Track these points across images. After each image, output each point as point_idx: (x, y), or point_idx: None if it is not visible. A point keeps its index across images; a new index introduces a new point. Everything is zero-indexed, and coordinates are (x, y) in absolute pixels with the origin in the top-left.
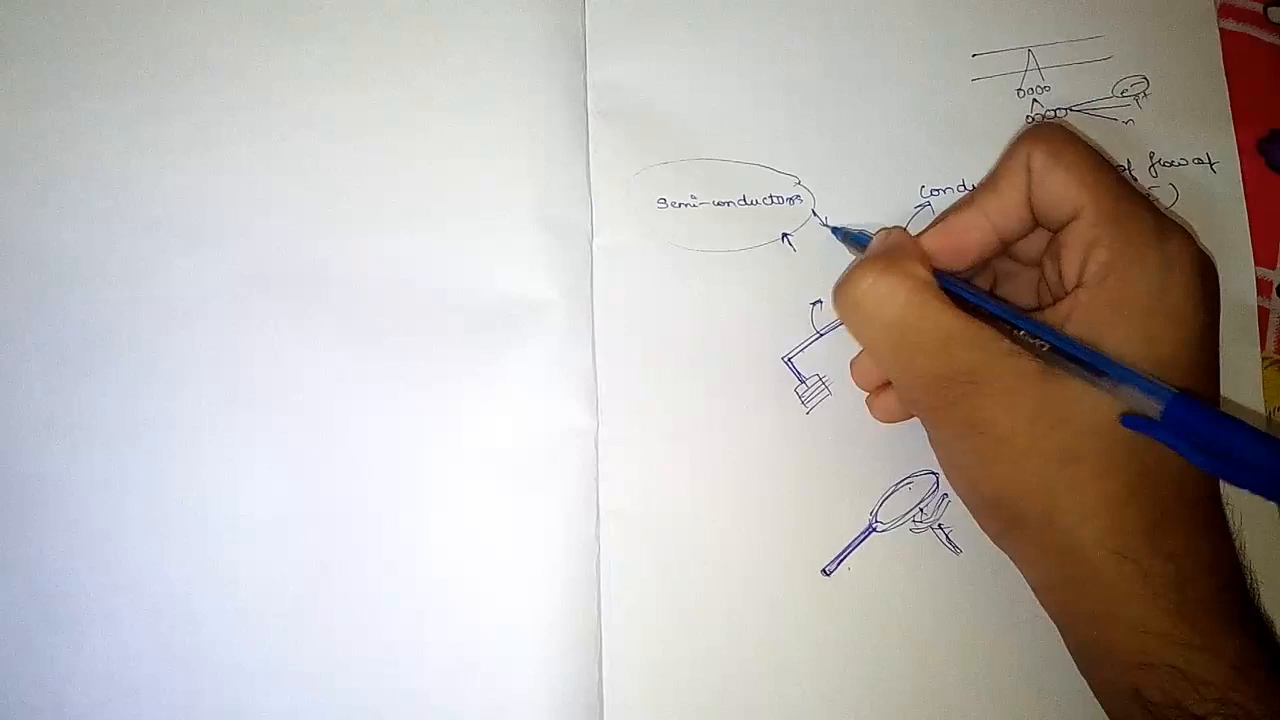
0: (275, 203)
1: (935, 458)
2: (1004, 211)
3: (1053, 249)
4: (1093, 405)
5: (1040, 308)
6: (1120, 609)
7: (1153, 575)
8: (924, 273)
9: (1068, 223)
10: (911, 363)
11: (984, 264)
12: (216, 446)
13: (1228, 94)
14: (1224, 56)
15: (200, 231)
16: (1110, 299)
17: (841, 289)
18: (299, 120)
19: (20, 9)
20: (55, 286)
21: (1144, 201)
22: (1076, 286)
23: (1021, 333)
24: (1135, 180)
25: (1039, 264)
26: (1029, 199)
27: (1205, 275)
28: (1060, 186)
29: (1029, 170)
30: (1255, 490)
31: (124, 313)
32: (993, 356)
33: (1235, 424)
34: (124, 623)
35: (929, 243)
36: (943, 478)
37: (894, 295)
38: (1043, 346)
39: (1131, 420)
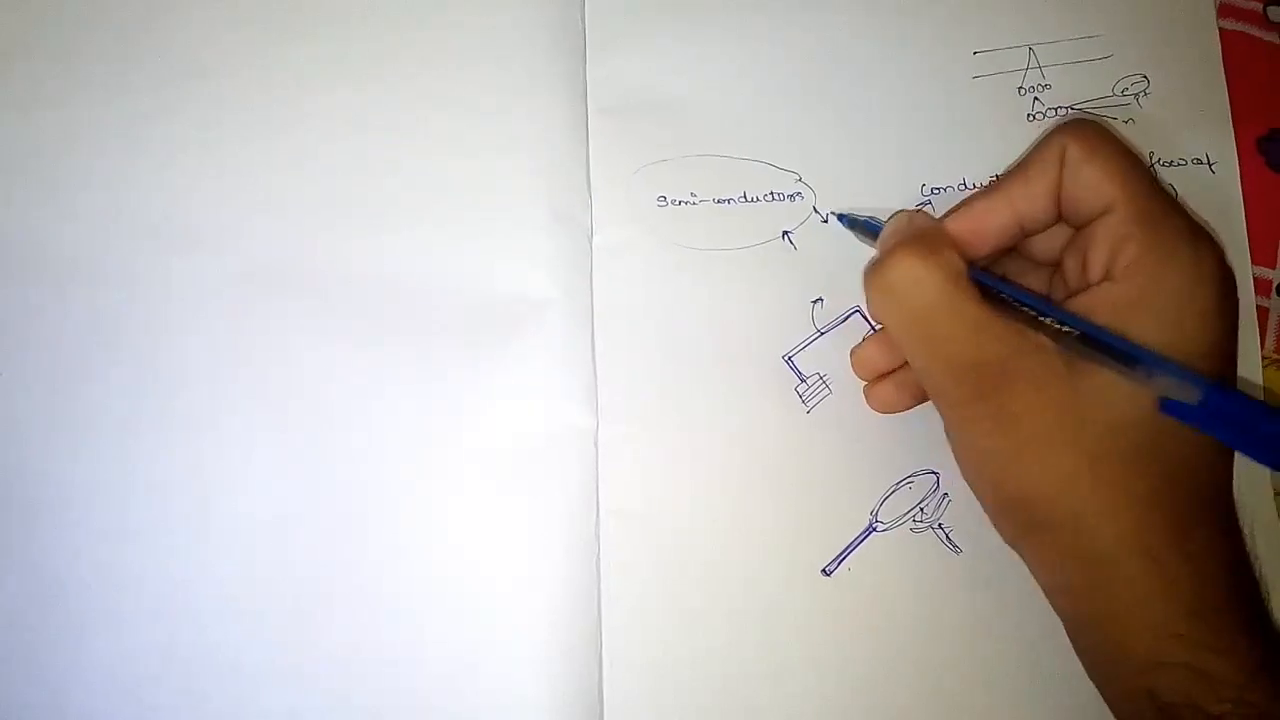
0: (274, 202)
1: (953, 457)
2: (1030, 200)
3: (1078, 243)
4: (1120, 401)
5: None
6: (1139, 610)
7: (1173, 576)
8: (959, 261)
9: (1096, 218)
10: (941, 351)
11: (999, 255)
12: (217, 446)
13: (1227, 93)
14: (1223, 56)
15: (200, 231)
16: (1138, 295)
17: (876, 272)
18: (297, 119)
19: (19, 11)
20: (55, 287)
21: (1175, 203)
22: (1103, 280)
23: (1049, 321)
24: None
25: (1053, 263)
26: (1057, 190)
27: (1229, 282)
28: (1093, 180)
29: (1061, 161)
30: None
31: (124, 313)
32: (1022, 349)
33: (1275, 411)
34: (125, 622)
35: (951, 226)
36: (943, 477)
37: (930, 282)
38: (1071, 335)
39: (1173, 406)
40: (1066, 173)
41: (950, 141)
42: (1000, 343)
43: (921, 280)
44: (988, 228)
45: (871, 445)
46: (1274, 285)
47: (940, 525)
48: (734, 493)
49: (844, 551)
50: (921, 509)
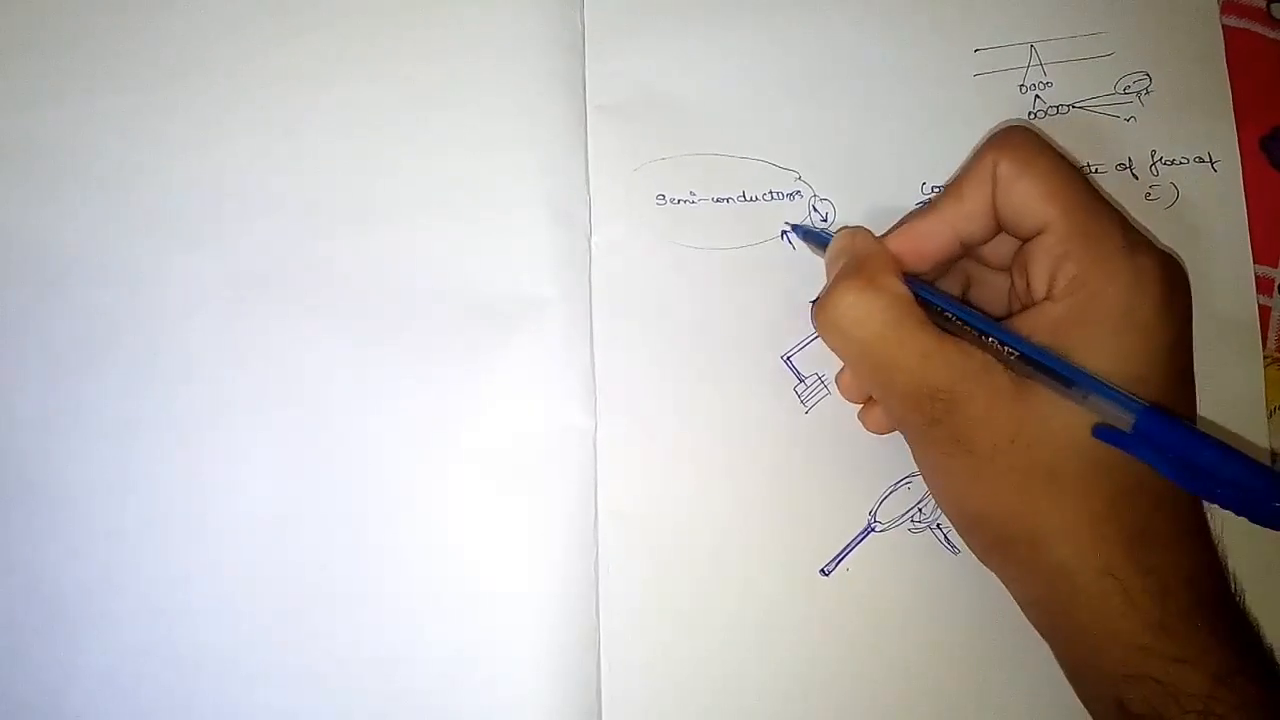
0: (271, 200)
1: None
2: (967, 218)
3: (1020, 259)
4: (1068, 421)
5: (1011, 314)
6: (1102, 624)
7: (1133, 590)
8: (901, 287)
9: (1035, 234)
10: (891, 380)
11: (947, 267)
12: (216, 445)
13: (1230, 91)
14: (1227, 53)
15: (200, 229)
16: (1080, 313)
17: (820, 308)
18: (297, 116)
19: (20, 6)
20: (55, 284)
21: (1113, 214)
22: (1045, 299)
23: (991, 340)
24: (1136, 179)
25: (1008, 268)
26: (992, 208)
27: (1176, 288)
28: (1027, 198)
29: (994, 178)
30: (1225, 505)
31: (124, 311)
32: (968, 373)
33: (1205, 439)
34: (123, 622)
35: (892, 246)
36: None
37: (872, 313)
38: (1012, 354)
39: (1103, 432)
40: (999, 190)
41: (951, 139)
42: (949, 368)
43: (865, 313)
44: (927, 248)
45: (870, 445)
46: (1276, 284)
47: (938, 525)
48: (732, 492)
49: (842, 552)
50: (920, 509)
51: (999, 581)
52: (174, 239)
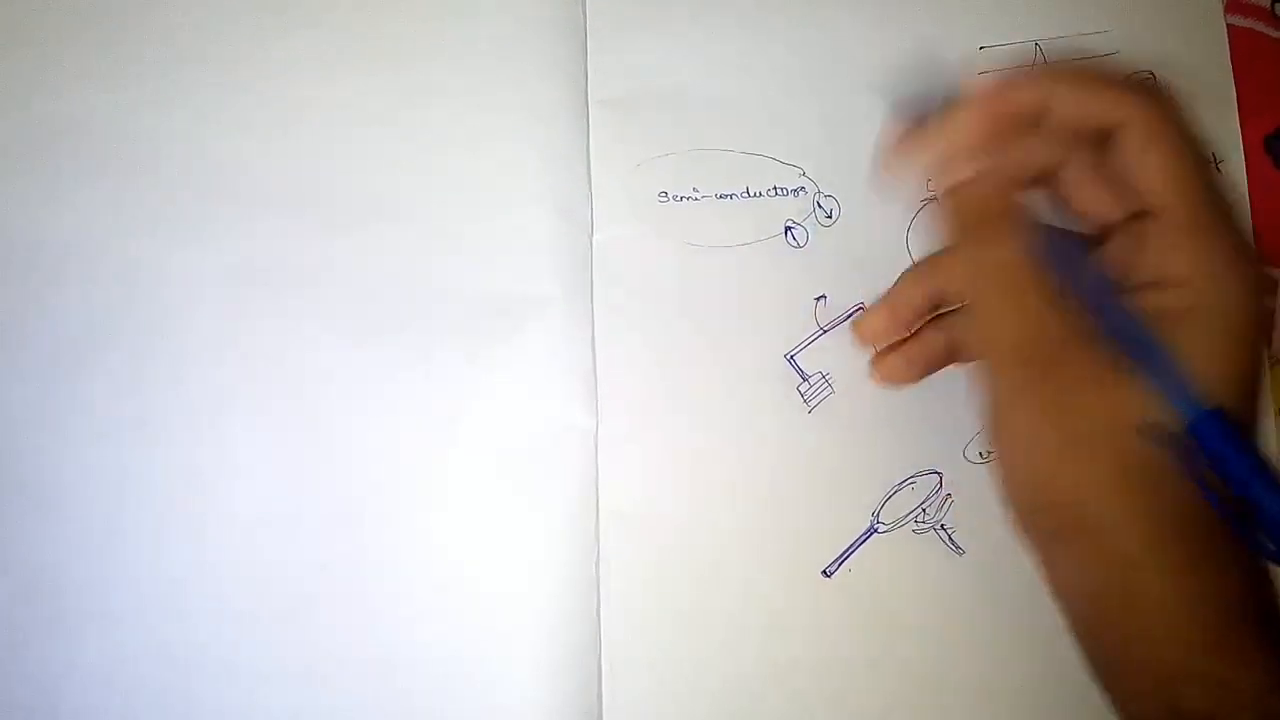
0: (273, 196)
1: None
2: (1070, 122)
3: (1124, 238)
4: (1156, 413)
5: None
6: (1165, 621)
7: (1201, 589)
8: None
9: (1146, 214)
10: (1024, 325)
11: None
12: (214, 444)
13: (1234, 90)
14: (1231, 52)
15: (198, 225)
16: (1183, 311)
17: (986, 226)
18: (297, 111)
19: (16, 1)
20: (51, 282)
21: (1228, 213)
22: (1149, 284)
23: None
24: None
25: (1092, 227)
26: (1104, 158)
27: (1258, 302)
28: (1148, 175)
29: (1119, 135)
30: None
31: (121, 308)
32: (1082, 339)
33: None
34: (120, 622)
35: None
36: (946, 478)
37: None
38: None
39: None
40: (1121, 153)
41: None
42: (1070, 330)
43: (1026, 252)
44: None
45: (874, 445)
46: None
47: (942, 526)
48: (734, 493)
49: (845, 552)
50: (923, 510)
51: (1002, 583)
52: (172, 235)
